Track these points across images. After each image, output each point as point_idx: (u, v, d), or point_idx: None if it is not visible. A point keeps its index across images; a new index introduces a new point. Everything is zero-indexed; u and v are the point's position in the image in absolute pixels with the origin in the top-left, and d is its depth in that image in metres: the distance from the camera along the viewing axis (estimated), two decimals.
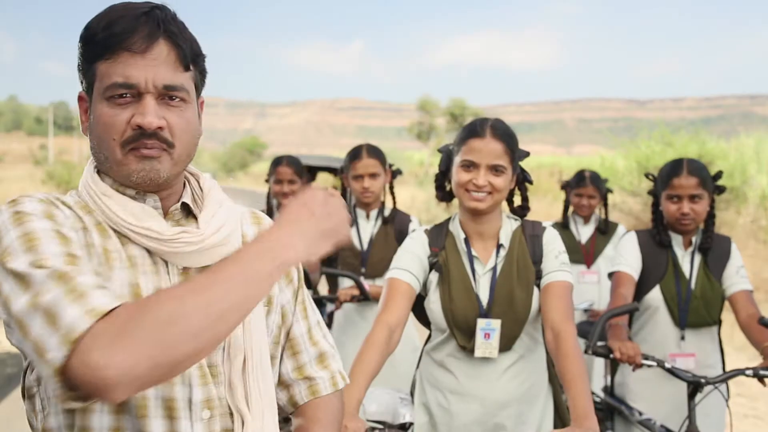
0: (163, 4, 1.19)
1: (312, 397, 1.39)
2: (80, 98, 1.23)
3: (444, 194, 2.27)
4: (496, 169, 2.06)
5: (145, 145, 1.15)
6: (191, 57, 1.19)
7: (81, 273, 1.01)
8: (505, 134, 2.09)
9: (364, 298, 3.26)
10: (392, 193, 3.70)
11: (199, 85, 1.24)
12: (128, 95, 1.14)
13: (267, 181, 3.94)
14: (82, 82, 1.21)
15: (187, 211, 1.26)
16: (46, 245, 1.03)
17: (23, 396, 1.21)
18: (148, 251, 1.18)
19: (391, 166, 3.59)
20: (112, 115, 1.15)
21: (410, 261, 2.13)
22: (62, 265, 1.01)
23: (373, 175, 3.42)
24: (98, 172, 1.23)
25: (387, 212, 3.55)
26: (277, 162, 3.85)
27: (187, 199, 1.25)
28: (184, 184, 1.28)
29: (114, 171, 1.18)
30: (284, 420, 1.40)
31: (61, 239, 1.06)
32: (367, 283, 3.34)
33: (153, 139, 1.15)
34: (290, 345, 1.38)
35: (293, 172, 3.78)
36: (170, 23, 1.17)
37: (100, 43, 1.14)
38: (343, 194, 3.60)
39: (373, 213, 3.53)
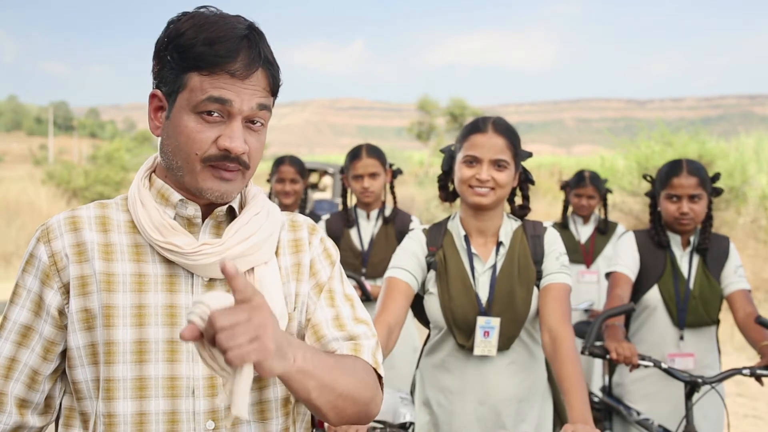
0: (255, 25, 1.22)
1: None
2: (153, 96, 1.24)
3: (447, 194, 2.28)
4: (498, 164, 2.07)
5: (227, 167, 1.19)
6: (278, 84, 1.24)
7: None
8: (507, 130, 2.10)
9: (365, 298, 3.26)
10: (393, 193, 3.71)
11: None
12: (218, 114, 1.17)
13: (268, 180, 3.95)
14: (158, 82, 1.22)
15: (233, 215, 1.29)
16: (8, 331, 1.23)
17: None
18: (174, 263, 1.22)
19: (391, 165, 3.60)
20: (199, 131, 1.18)
21: (408, 260, 2.13)
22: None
23: (373, 175, 3.42)
24: (151, 174, 1.28)
25: (388, 212, 3.56)
26: (280, 161, 3.86)
27: (234, 203, 1.29)
28: None
29: (185, 178, 1.21)
30: None
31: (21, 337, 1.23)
32: (368, 283, 3.35)
33: (235, 163, 1.19)
34: (314, 331, 1.32)
35: (295, 172, 3.79)
36: (267, 51, 1.21)
37: (199, 56, 1.16)
38: (344, 194, 3.61)
39: (374, 213, 3.54)
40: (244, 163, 1.20)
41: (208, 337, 0.95)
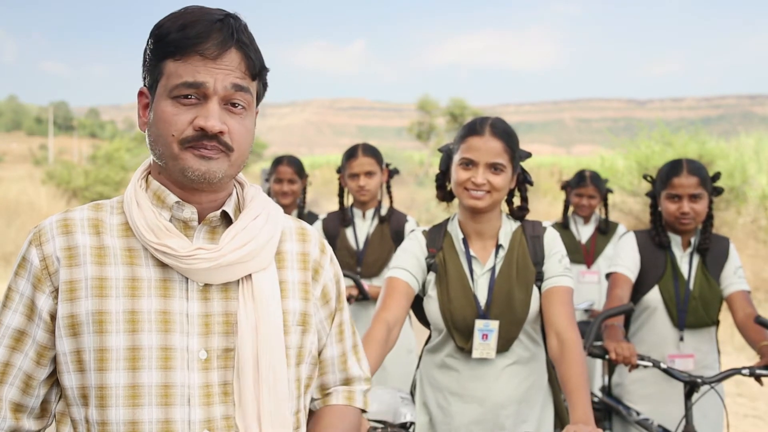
0: (236, 14, 1.22)
1: (323, 405, 1.41)
2: (140, 93, 1.25)
3: (444, 194, 2.27)
4: (495, 168, 2.06)
5: (205, 146, 1.17)
6: (258, 68, 1.22)
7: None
8: (504, 133, 2.09)
9: (363, 297, 3.27)
10: (389, 193, 3.71)
11: (260, 95, 1.27)
12: (194, 96, 1.16)
13: (267, 180, 3.95)
14: (145, 78, 1.23)
15: (228, 220, 1.26)
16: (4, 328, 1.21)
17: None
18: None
19: (388, 165, 3.60)
20: (175, 113, 1.17)
21: (409, 261, 2.13)
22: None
23: (368, 174, 3.43)
24: (148, 175, 1.27)
25: (383, 211, 3.56)
26: (278, 161, 3.87)
27: (229, 207, 1.26)
28: (232, 191, 1.30)
29: (169, 166, 1.20)
30: None
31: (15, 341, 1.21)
32: (365, 283, 3.35)
33: (213, 141, 1.17)
34: (321, 366, 1.38)
35: (293, 172, 3.79)
36: (242, 33, 1.20)
37: (172, 42, 1.16)
38: (341, 193, 3.61)
39: (369, 212, 3.54)
40: (224, 143, 1.18)
41: None
